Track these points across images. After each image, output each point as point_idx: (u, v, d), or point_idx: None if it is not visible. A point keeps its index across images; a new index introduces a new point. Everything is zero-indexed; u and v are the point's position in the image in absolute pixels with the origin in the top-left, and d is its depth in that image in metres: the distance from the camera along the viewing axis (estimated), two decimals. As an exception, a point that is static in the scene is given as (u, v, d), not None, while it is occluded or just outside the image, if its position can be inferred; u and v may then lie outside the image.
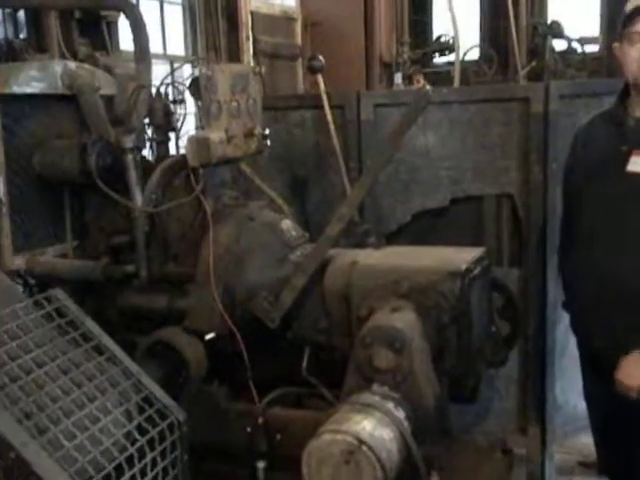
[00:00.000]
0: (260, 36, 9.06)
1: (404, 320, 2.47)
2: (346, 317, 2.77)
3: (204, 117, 2.90)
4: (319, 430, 2.21)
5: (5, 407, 2.02)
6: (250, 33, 8.92)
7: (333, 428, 2.18)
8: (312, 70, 3.91)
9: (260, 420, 2.91)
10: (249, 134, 3.12)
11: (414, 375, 2.37)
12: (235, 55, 8.63)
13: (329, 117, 3.74)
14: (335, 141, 3.75)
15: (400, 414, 2.29)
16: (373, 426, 2.19)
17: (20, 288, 3.14)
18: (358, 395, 2.35)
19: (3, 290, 2.50)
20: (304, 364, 2.99)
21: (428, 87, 2.70)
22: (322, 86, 3.74)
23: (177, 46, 8.71)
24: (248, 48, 8.89)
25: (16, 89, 3.14)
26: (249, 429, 2.95)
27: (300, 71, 9.87)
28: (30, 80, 3.20)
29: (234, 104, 3.05)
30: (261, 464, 2.89)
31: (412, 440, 2.26)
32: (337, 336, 2.87)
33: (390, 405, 2.30)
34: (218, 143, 2.89)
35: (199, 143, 2.87)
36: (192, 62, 6.87)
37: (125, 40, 6.92)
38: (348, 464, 2.13)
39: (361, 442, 2.11)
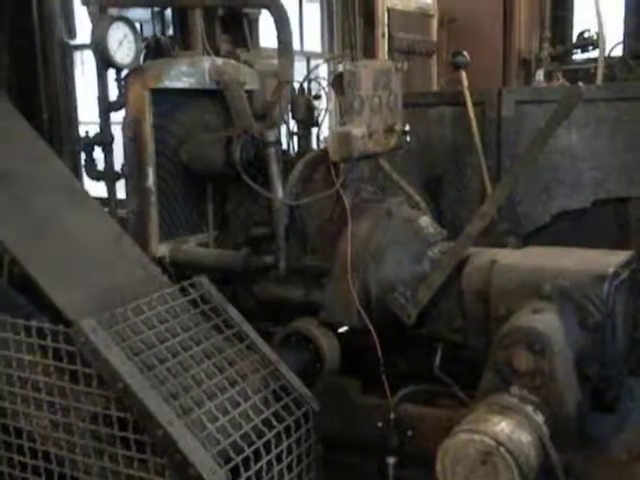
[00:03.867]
0: (396, 33, 9.03)
1: (546, 322, 2.40)
2: (483, 316, 2.73)
3: (346, 112, 2.92)
4: (455, 429, 2.19)
5: (154, 387, 2.12)
6: (386, 30, 8.91)
7: (470, 428, 2.15)
8: (456, 66, 3.86)
9: (392, 415, 2.91)
10: (389, 130, 3.13)
11: (555, 379, 2.30)
12: (370, 52, 8.64)
13: (471, 114, 3.69)
14: (477, 139, 3.69)
15: (539, 418, 2.24)
16: (511, 429, 2.14)
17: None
18: (495, 396, 2.31)
19: (152, 276, 2.61)
20: (437, 362, 2.97)
21: (581, 84, 2.59)
22: (465, 82, 3.69)
23: (314, 43, 8.81)
24: (383, 45, 8.88)
25: (167, 84, 3.28)
26: (380, 424, 2.94)
27: (435, 68, 9.76)
28: (180, 75, 3.33)
29: (376, 100, 3.06)
30: (391, 460, 2.89)
31: (551, 446, 2.20)
32: (473, 335, 2.83)
33: (529, 409, 2.24)
34: (360, 138, 2.91)
35: (341, 138, 2.90)
36: (331, 59, 6.93)
37: (265, 37, 7.08)
38: (484, 465, 2.10)
39: (499, 444, 2.08)
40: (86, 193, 2.83)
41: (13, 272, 3.63)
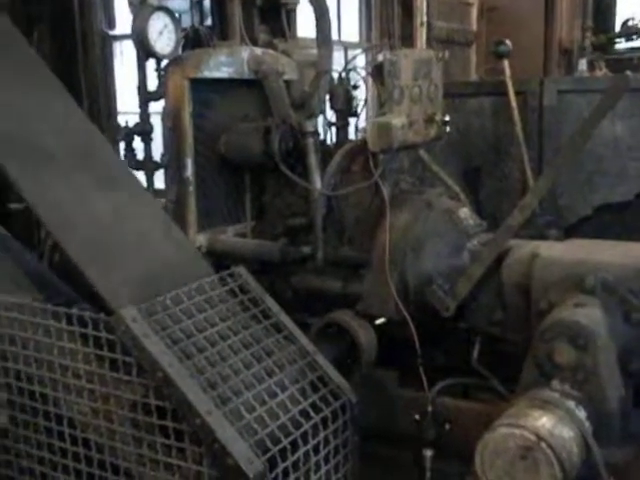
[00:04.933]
0: (435, 22, 8.96)
1: (589, 316, 2.36)
2: (524, 310, 2.69)
3: (386, 102, 2.89)
4: (495, 423, 2.16)
5: (192, 376, 2.12)
6: (425, 19, 8.85)
7: (510, 422, 2.12)
8: (498, 55, 3.81)
9: (429, 408, 2.89)
10: (429, 120, 3.10)
11: (598, 374, 2.26)
12: (409, 41, 8.59)
13: (513, 104, 3.64)
14: (518, 129, 3.64)
15: (581, 414, 2.20)
16: (553, 424, 2.11)
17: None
18: (536, 391, 2.28)
19: (196, 262, 2.62)
20: (475, 355, 2.94)
21: (629, 73, 2.53)
22: (507, 71, 3.64)
23: (351, 32, 8.78)
24: (422, 34, 8.82)
25: (207, 74, 3.28)
26: (417, 416, 2.93)
27: (474, 57, 9.67)
28: (219, 65, 3.34)
29: (416, 90, 3.03)
30: (428, 452, 2.87)
31: (593, 442, 2.16)
32: (512, 328, 2.80)
33: (571, 404, 2.21)
34: (400, 128, 2.89)
35: (381, 128, 2.87)
36: (370, 49, 6.90)
37: (302, 27, 7.06)
38: (525, 460, 2.07)
39: (540, 439, 2.05)
40: (133, 176, 2.83)
41: (53, 259, 3.69)
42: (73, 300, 2.65)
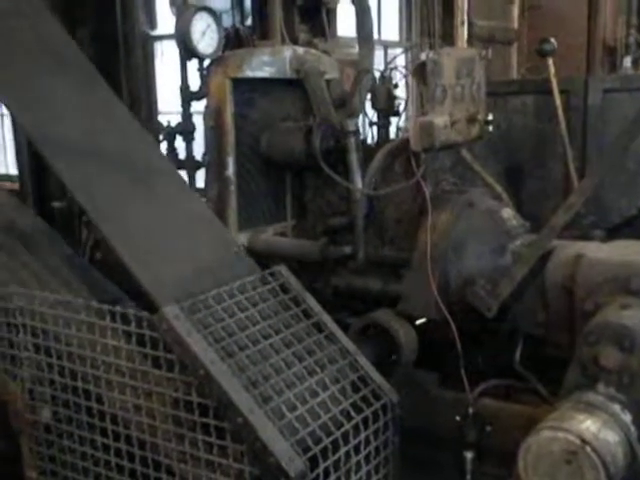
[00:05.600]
0: (476, 20, 8.88)
1: (635, 318, 2.32)
2: (568, 311, 2.66)
3: (428, 101, 2.88)
4: (538, 426, 2.13)
5: (234, 374, 2.13)
6: (465, 18, 8.78)
7: (554, 425, 2.10)
8: (542, 54, 3.76)
9: (470, 410, 2.87)
10: (472, 119, 3.07)
11: (644, 378, 2.22)
12: (449, 40, 8.54)
13: (558, 102, 3.59)
14: (563, 128, 3.59)
15: (627, 418, 2.17)
16: (598, 427, 2.08)
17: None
18: (581, 394, 2.24)
19: (239, 260, 2.63)
20: (516, 357, 2.91)
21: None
22: (552, 70, 3.59)
23: (391, 31, 8.75)
24: (462, 33, 8.76)
25: (249, 73, 3.30)
26: (458, 418, 2.91)
27: (515, 56, 9.57)
28: (261, 65, 3.35)
29: (458, 89, 3.01)
30: (469, 454, 2.85)
31: (639, 446, 2.12)
32: (556, 330, 2.76)
33: (616, 407, 2.17)
34: (442, 128, 2.87)
35: (423, 127, 2.85)
36: (412, 48, 6.87)
37: (342, 26, 7.06)
38: (569, 464, 2.04)
39: (585, 442, 2.02)
40: (178, 175, 2.85)
41: (94, 256, 3.74)
42: (117, 297, 2.69)
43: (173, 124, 3.71)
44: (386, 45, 8.28)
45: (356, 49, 3.38)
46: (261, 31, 6.35)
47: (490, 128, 3.21)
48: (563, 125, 3.64)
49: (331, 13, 6.96)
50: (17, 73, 2.62)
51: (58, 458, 2.54)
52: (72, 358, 2.40)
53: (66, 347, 2.41)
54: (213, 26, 3.30)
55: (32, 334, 2.48)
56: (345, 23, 6.97)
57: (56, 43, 2.80)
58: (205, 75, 3.36)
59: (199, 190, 3.64)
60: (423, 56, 2.87)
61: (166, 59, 7.19)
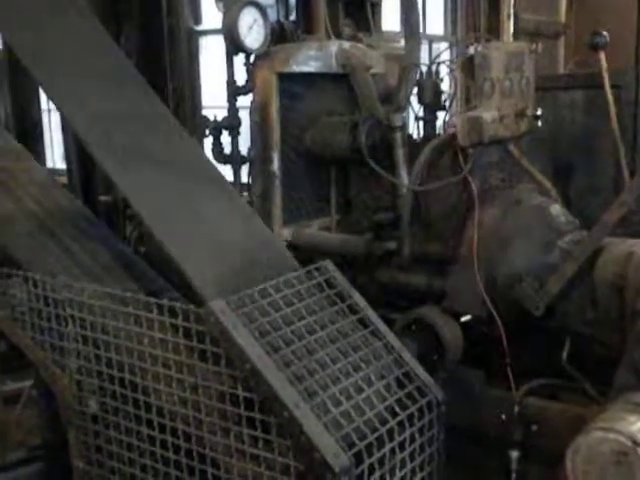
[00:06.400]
0: (522, 14, 8.74)
1: (688, 318, 2.27)
2: (618, 310, 2.61)
3: (477, 96, 2.84)
4: (588, 426, 2.10)
5: (280, 369, 2.13)
6: (512, 11, 8.65)
7: (604, 426, 2.06)
8: (593, 47, 3.69)
9: (516, 409, 2.83)
10: (520, 114, 3.03)
11: (697, 379, 2.17)
12: (495, 34, 8.42)
13: (609, 97, 3.52)
14: (614, 123, 3.52)
15: (679, 420, 2.11)
16: (649, 429, 2.04)
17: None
18: (631, 394, 2.20)
19: (282, 257, 2.63)
20: (564, 355, 2.87)
21: None
22: (604, 64, 3.52)
23: (436, 26, 8.69)
24: (508, 27, 8.62)
25: (295, 68, 3.29)
26: (503, 416, 2.88)
27: (562, 50, 9.40)
28: (308, 59, 3.35)
29: (507, 83, 2.97)
30: (515, 454, 2.82)
31: (691, 449, 2.07)
32: (605, 329, 2.72)
33: (668, 409, 2.12)
34: (490, 122, 2.83)
35: (471, 122, 2.82)
36: (457, 43, 6.81)
37: (386, 21, 7.01)
38: (619, 465, 2.00)
39: (636, 444, 1.98)
40: (220, 174, 2.87)
41: (138, 250, 3.78)
42: (162, 289, 2.71)
43: (219, 119, 3.71)
44: (431, 39, 8.21)
45: (401, 43, 3.36)
46: (305, 26, 6.33)
47: (539, 123, 3.15)
48: (614, 120, 3.57)
49: (376, 7, 6.90)
50: (65, 77, 2.67)
51: (105, 448, 2.57)
52: (119, 350, 2.42)
53: (114, 339, 2.43)
54: (260, 21, 3.30)
55: (80, 326, 2.52)
56: (389, 17, 6.92)
57: (103, 48, 2.84)
58: (251, 70, 3.36)
59: (243, 185, 3.65)
60: (471, 50, 2.84)
61: (209, 53, 7.23)
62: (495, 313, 2.85)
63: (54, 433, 3.04)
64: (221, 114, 3.73)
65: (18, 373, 3.92)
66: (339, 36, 6.39)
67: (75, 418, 2.60)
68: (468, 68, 2.91)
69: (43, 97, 7.12)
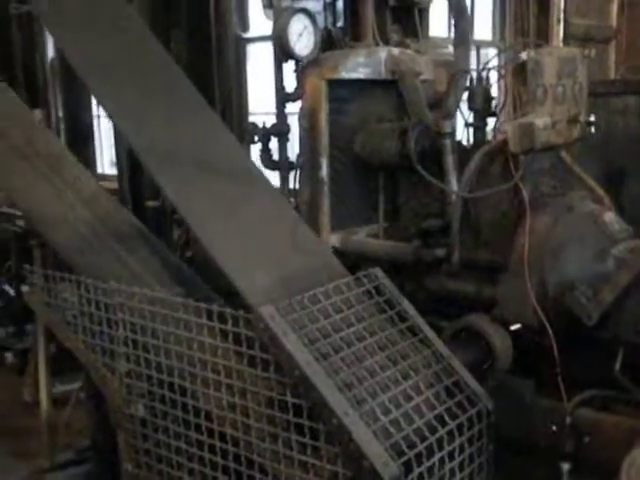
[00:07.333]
0: (572, 18, 8.63)
1: None
2: (675, 321, 2.54)
3: (529, 102, 2.80)
4: (644, 440, 2.05)
5: (329, 375, 2.13)
6: (561, 16, 8.54)
7: (661, 440, 2.01)
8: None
9: (568, 420, 2.78)
10: (573, 120, 2.98)
11: None
12: (544, 39, 8.32)
13: (664, 103, 3.45)
14: (669, 129, 3.45)
15: None
16: None
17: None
18: (689, 407, 2.14)
19: (330, 264, 2.63)
20: (617, 366, 2.80)
21: None
22: (662, 69, 3.44)
23: (484, 31, 8.61)
24: (558, 32, 8.52)
25: (344, 74, 3.30)
26: (554, 428, 2.82)
27: (612, 55, 9.25)
28: (357, 66, 3.34)
29: (560, 89, 2.92)
30: (566, 466, 2.76)
31: None
32: (660, 340, 2.65)
33: None
34: (542, 129, 2.79)
35: (523, 129, 2.78)
36: (508, 48, 6.73)
37: (434, 27, 6.97)
38: (676, 480, 1.95)
39: (694, 459, 1.92)
40: (266, 179, 2.89)
41: (184, 255, 3.81)
42: (212, 296, 2.73)
43: (267, 125, 3.73)
44: (478, 45, 8.14)
45: (449, 49, 3.34)
46: (353, 32, 6.33)
47: (593, 129, 3.10)
48: (669, 127, 3.50)
49: (423, 13, 6.87)
50: (115, 86, 2.72)
51: (153, 452, 2.60)
52: (169, 354, 2.45)
53: (163, 343, 2.46)
54: (310, 28, 3.32)
55: (131, 330, 2.55)
56: (437, 23, 6.89)
57: (159, 63, 2.89)
58: (300, 77, 3.37)
59: (291, 191, 3.66)
60: (524, 55, 2.80)
61: (256, 60, 7.28)
62: (546, 322, 2.80)
63: (103, 435, 3.08)
64: (269, 120, 3.75)
65: (67, 375, 4.00)
66: (387, 42, 6.36)
67: (124, 421, 2.63)
68: (520, 74, 2.87)
69: (94, 103, 7.26)
